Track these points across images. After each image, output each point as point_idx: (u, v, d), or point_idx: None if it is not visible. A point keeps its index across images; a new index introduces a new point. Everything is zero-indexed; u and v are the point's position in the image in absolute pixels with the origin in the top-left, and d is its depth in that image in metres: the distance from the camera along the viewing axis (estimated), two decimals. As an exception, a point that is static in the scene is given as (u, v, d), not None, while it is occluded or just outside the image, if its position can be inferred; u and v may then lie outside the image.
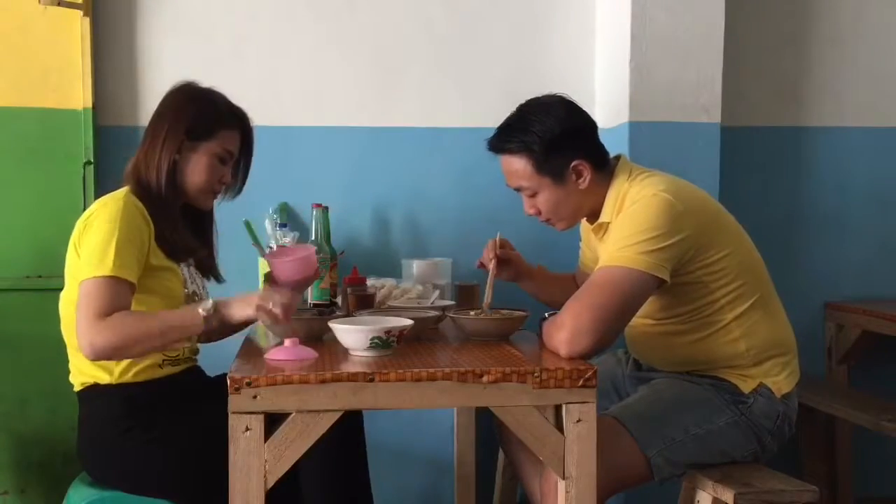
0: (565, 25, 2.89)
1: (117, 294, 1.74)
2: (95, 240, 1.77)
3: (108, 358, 1.75)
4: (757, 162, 3.03)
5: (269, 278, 2.00)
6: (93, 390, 1.89)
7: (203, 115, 1.95)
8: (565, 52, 2.89)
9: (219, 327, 1.79)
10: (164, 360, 1.92)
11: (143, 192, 1.89)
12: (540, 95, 2.04)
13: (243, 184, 2.11)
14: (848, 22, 3.06)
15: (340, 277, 2.43)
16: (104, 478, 1.90)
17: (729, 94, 2.79)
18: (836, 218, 3.09)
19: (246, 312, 1.75)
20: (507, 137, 1.99)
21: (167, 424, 1.83)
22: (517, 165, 1.99)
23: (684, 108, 2.69)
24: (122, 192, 1.88)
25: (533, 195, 2.02)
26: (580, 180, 1.98)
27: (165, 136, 1.92)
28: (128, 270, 1.76)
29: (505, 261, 2.23)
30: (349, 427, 1.93)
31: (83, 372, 1.90)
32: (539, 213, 2.04)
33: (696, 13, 2.67)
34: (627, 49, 2.65)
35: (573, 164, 1.96)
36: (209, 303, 1.76)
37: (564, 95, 2.03)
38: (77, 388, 1.93)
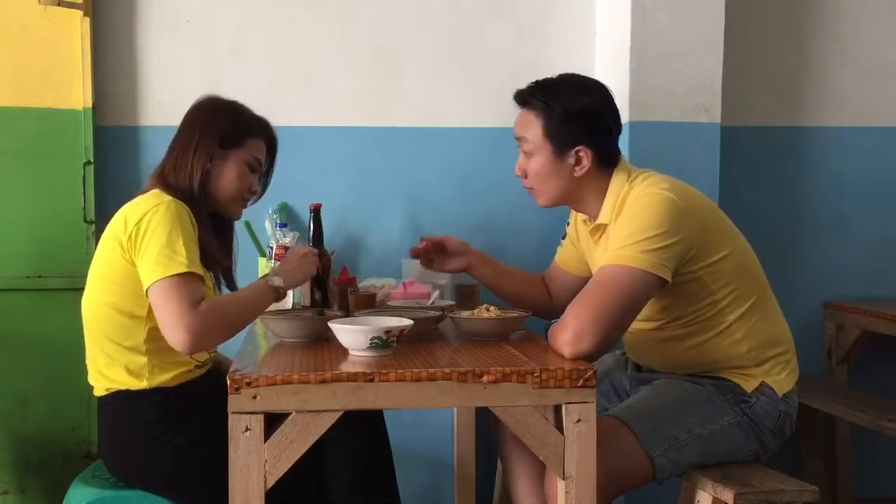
0: (565, 25, 2.89)
1: (196, 287, 1.78)
2: (160, 241, 1.78)
3: (207, 346, 1.78)
4: (757, 162, 3.03)
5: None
6: (122, 395, 1.88)
7: (232, 125, 2.01)
8: (565, 52, 2.89)
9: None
10: (195, 365, 1.93)
11: (178, 196, 1.90)
12: (587, 76, 2.06)
13: (264, 191, 2.17)
14: (848, 22, 3.06)
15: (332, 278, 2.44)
16: (136, 481, 1.90)
17: (729, 94, 2.79)
18: (836, 218, 3.09)
19: (309, 270, 1.98)
20: (535, 94, 1.99)
21: (204, 426, 1.83)
22: (530, 120, 1.99)
23: (684, 108, 2.69)
24: (164, 195, 1.88)
25: (529, 155, 2.01)
26: (577, 167, 1.97)
27: (197, 146, 1.96)
28: (197, 266, 1.80)
29: (440, 250, 2.22)
30: (374, 429, 1.93)
31: (111, 378, 1.89)
32: (526, 176, 2.03)
33: (696, 13, 2.67)
34: (627, 49, 2.65)
35: (578, 147, 1.95)
36: (279, 278, 1.89)
37: (608, 88, 2.03)
38: (100, 393, 1.92)
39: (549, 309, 2.32)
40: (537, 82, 2.01)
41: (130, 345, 1.86)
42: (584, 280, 2.15)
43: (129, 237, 1.82)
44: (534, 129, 1.98)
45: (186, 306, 1.72)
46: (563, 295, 2.28)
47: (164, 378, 1.88)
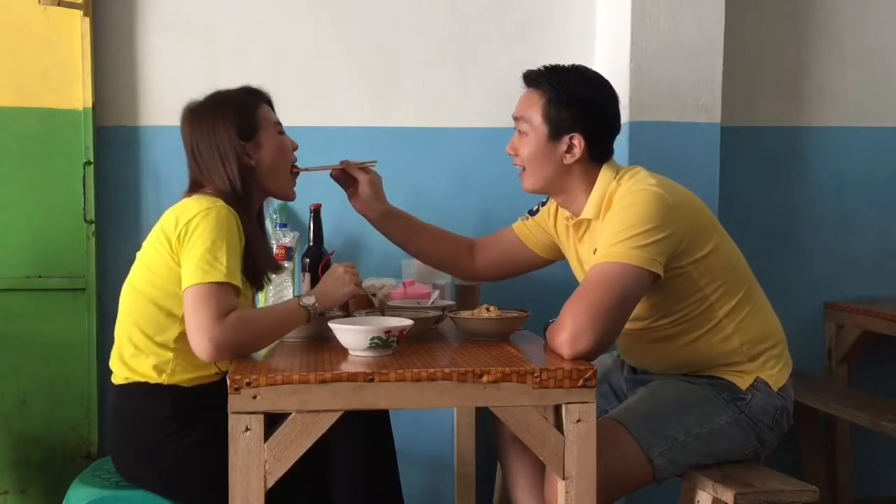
0: (565, 25, 2.89)
1: (230, 298, 1.77)
2: (203, 246, 1.78)
3: (229, 356, 1.77)
4: (757, 162, 3.03)
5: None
6: (139, 387, 1.88)
7: (238, 114, 1.96)
8: (565, 53, 2.87)
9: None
10: (215, 372, 1.92)
11: (228, 200, 1.89)
12: (599, 73, 2.07)
13: None
14: (848, 22, 3.06)
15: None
16: (138, 476, 1.91)
17: (729, 94, 2.79)
18: (836, 218, 3.08)
19: (345, 291, 1.91)
20: (544, 76, 2.00)
21: (212, 428, 1.81)
22: (532, 99, 2.00)
23: (684, 108, 2.69)
24: (219, 200, 1.87)
25: (524, 135, 2.01)
26: (568, 154, 1.98)
27: (224, 156, 1.93)
28: (236, 277, 1.80)
29: (353, 183, 2.22)
30: (379, 430, 1.94)
31: (132, 369, 1.89)
32: (517, 154, 2.03)
33: (696, 13, 2.67)
34: (627, 49, 2.65)
35: (572, 134, 1.96)
36: (311, 297, 1.86)
37: (615, 91, 2.05)
38: (119, 381, 1.92)
39: (467, 272, 2.34)
40: (550, 67, 2.02)
41: (161, 340, 1.87)
42: (535, 258, 2.25)
43: (178, 236, 1.82)
44: (534, 108, 1.99)
45: (215, 317, 1.72)
46: (499, 262, 2.30)
47: (183, 377, 1.88)
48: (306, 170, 2.14)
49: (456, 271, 2.36)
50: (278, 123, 2.04)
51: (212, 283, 1.75)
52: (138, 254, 1.95)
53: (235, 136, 1.93)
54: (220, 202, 1.86)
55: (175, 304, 1.84)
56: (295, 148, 2.07)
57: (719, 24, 2.69)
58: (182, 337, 1.84)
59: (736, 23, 2.84)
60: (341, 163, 2.23)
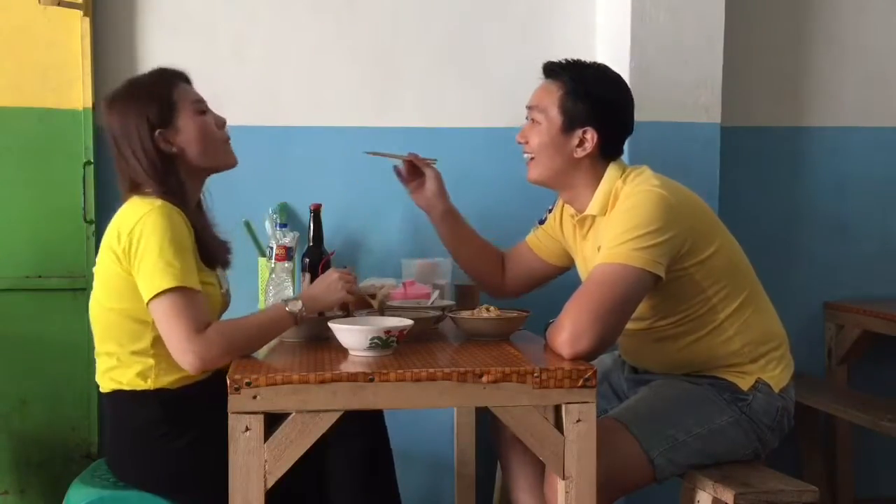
0: (565, 25, 2.88)
1: (198, 304, 1.77)
2: (153, 253, 1.76)
3: (214, 368, 1.78)
4: (757, 162, 3.03)
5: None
6: (126, 395, 1.88)
7: (149, 101, 1.90)
8: (565, 52, 2.86)
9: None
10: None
11: (168, 196, 1.87)
12: (618, 73, 2.08)
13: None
14: (847, 22, 3.06)
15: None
16: (136, 479, 1.90)
17: (729, 94, 2.79)
18: (836, 218, 3.09)
19: (335, 297, 1.87)
20: (564, 69, 2.01)
21: (205, 427, 1.82)
22: (549, 90, 2.01)
23: (684, 108, 2.69)
24: (155, 200, 1.84)
25: (536, 124, 2.02)
26: (579, 147, 1.99)
27: (141, 147, 1.88)
28: (193, 277, 1.78)
29: (418, 177, 2.25)
30: (374, 430, 1.94)
31: (116, 379, 1.89)
32: (527, 142, 2.04)
33: (696, 13, 2.67)
34: (627, 49, 2.65)
35: (585, 128, 1.97)
36: (298, 303, 1.83)
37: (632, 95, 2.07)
38: (106, 389, 1.92)
39: (499, 288, 2.34)
40: (570, 59, 2.04)
41: (138, 348, 1.86)
42: (550, 267, 2.26)
43: (124, 250, 1.80)
44: (551, 99, 2.00)
45: (192, 330, 1.73)
46: (520, 277, 2.32)
47: (168, 380, 1.87)
48: (376, 154, 2.21)
49: (489, 287, 2.36)
50: (199, 101, 1.96)
51: (172, 290, 1.74)
52: (94, 269, 1.92)
53: (147, 127, 1.87)
54: (158, 201, 1.83)
55: (142, 310, 1.82)
56: (222, 124, 1.99)
57: (719, 24, 2.69)
58: (158, 341, 1.83)
59: (736, 23, 2.84)
60: (409, 155, 2.23)
